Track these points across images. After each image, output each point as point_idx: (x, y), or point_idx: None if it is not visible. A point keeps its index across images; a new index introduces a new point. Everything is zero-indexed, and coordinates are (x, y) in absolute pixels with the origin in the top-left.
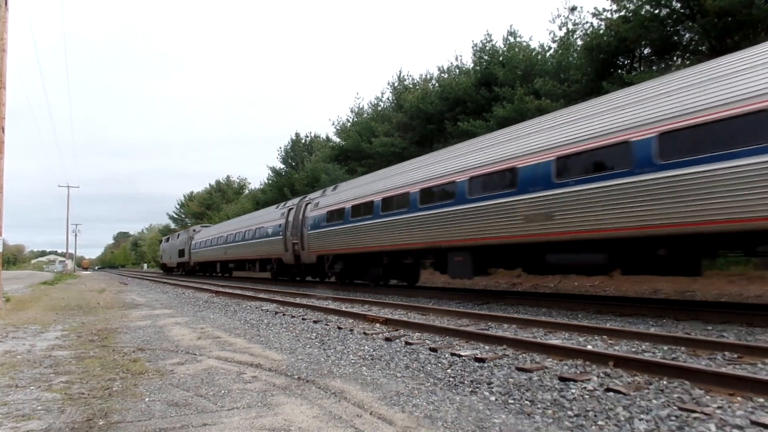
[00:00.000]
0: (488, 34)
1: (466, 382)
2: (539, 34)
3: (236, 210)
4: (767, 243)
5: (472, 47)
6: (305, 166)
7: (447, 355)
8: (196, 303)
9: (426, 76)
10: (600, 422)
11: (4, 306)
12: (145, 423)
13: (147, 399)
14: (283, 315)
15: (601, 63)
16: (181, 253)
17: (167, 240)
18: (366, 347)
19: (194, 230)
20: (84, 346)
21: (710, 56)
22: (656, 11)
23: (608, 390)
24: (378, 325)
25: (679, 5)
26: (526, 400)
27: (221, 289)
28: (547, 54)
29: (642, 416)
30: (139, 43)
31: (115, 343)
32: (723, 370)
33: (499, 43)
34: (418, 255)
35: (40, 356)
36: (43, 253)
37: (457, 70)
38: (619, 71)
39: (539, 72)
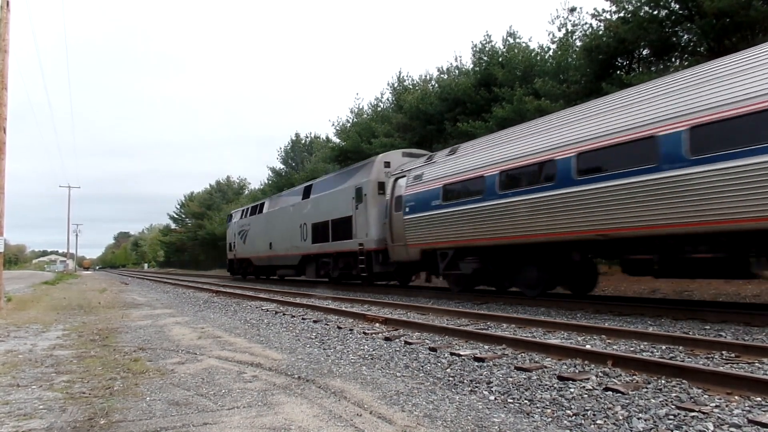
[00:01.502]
0: (488, 34)
1: (465, 381)
2: (538, 35)
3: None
4: None
5: (472, 48)
6: (305, 167)
7: (446, 355)
8: (196, 303)
9: (425, 76)
10: (599, 421)
11: (6, 306)
12: (146, 422)
13: (148, 398)
14: (283, 315)
15: (600, 64)
16: (329, 232)
17: (252, 212)
18: (366, 347)
19: (399, 167)
20: (85, 346)
21: (708, 57)
22: (655, 12)
23: (607, 389)
24: (378, 324)
25: (677, 6)
26: (525, 399)
27: (221, 289)
28: (547, 55)
29: (640, 415)
30: (139, 43)
31: (116, 343)
32: (721, 369)
33: (499, 44)
34: None
35: (41, 356)
36: (44, 253)
37: (457, 71)
38: (618, 72)
39: (539, 73)
